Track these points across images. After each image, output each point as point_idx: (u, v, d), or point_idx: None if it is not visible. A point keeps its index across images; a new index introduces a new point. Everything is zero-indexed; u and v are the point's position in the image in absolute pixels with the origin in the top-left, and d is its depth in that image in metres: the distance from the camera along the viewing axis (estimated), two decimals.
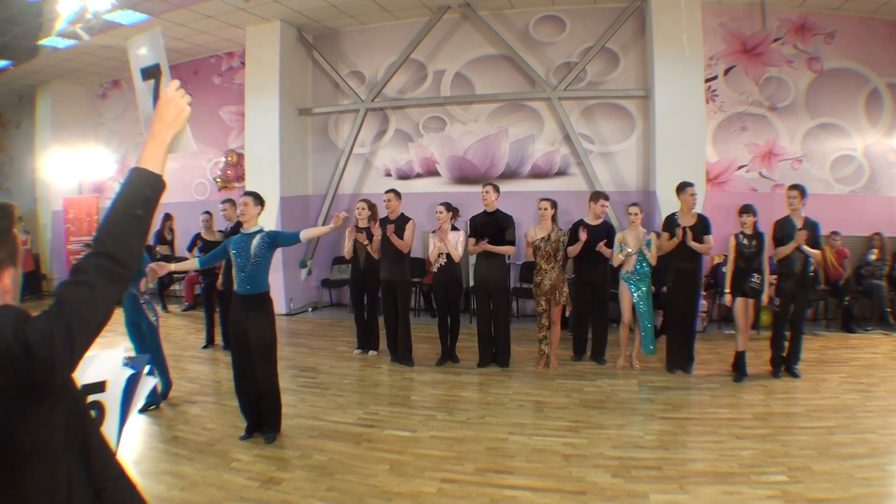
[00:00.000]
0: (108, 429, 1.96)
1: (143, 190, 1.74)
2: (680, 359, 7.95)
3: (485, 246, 8.03)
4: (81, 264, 1.61)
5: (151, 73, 1.96)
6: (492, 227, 8.16)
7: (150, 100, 1.96)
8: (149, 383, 2.26)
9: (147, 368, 2.27)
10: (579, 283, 8.32)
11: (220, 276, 9.34)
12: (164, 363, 7.32)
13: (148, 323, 7.10)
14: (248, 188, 12.35)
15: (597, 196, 8.55)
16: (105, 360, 2.07)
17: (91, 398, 1.97)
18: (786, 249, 7.59)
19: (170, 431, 6.17)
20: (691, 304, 8.06)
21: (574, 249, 8.07)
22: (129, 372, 2.17)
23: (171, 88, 1.92)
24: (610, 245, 8.08)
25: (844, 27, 10.80)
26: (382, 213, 8.83)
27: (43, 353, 1.44)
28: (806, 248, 7.52)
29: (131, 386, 2.16)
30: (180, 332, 10.95)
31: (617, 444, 5.68)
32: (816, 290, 9.81)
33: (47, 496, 1.55)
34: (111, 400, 2.02)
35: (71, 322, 1.49)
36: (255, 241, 5.88)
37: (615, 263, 8.11)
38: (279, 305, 11.90)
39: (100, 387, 1.99)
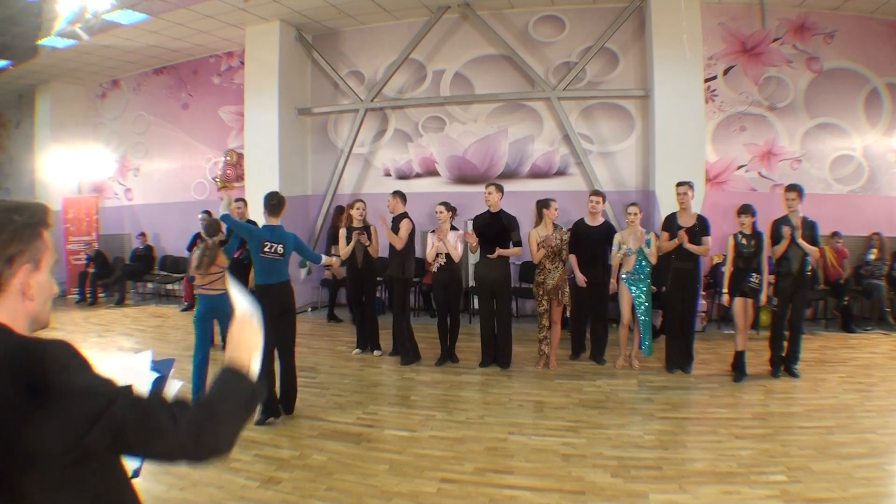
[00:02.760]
0: None
1: (252, 400, 1.75)
2: (679, 358, 7.95)
3: (501, 251, 8.06)
4: (187, 409, 1.57)
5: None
6: (495, 227, 8.15)
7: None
8: (174, 386, 2.24)
9: (172, 370, 2.25)
10: (577, 284, 8.30)
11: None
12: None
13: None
14: (248, 188, 12.42)
15: (591, 192, 8.62)
16: (133, 364, 2.05)
17: None
18: (780, 248, 7.60)
19: None
20: (690, 304, 8.06)
21: (574, 259, 8.16)
22: (155, 375, 2.15)
23: (246, 315, 1.90)
24: (611, 241, 8.14)
25: (844, 27, 10.80)
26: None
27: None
28: (802, 243, 7.53)
29: (157, 389, 2.15)
30: (180, 332, 10.94)
31: (616, 444, 5.68)
32: (815, 290, 9.83)
33: None
34: None
35: (126, 429, 1.46)
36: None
37: (614, 263, 8.11)
38: None
39: None
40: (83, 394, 1.45)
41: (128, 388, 1.53)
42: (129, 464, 1.83)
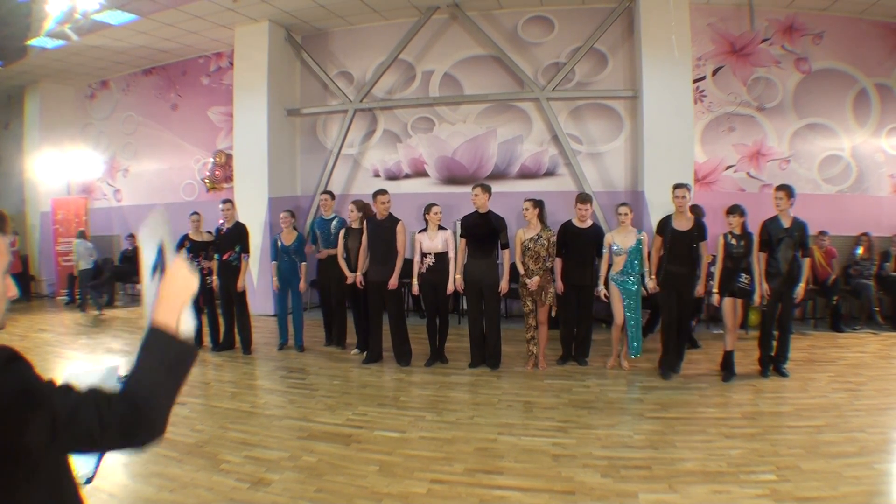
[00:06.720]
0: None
1: (180, 360, 1.66)
2: (672, 362, 7.89)
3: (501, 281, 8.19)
4: (115, 403, 1.48)
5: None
6: (484, 228, 8.13)
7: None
8: None
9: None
10: (566, 286, 8.27)
11: (214, 277, 9.32)
12: (302, 321, 9.73)
13: (298, 282, 9.52)
14: (237, 189, 12.43)
15: (577, 198, 8.42)
16: (98, 376, 2.02)
17: None
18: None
19: None
20: (686, 309, 7.96)
21: (558, 265, 8.19)
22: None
23: (178, 263, 1.82)
24: (600, 244, 8.10)
25: (832, 28, 10.86)
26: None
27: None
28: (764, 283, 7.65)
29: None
30: None
31: (606, 444, 5.67)
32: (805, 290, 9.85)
33: None
34: None
35: (59, 426, 1.40)
36: (333, 224, 9.49)
37: (603, 267, 8.05)
38: (269, 306, 11.87)
39: None
40: (20, 394, 1.39)
41: (65, 385, 1.49)
42: (81, 470, 1.80)
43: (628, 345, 8.06)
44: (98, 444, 1.46)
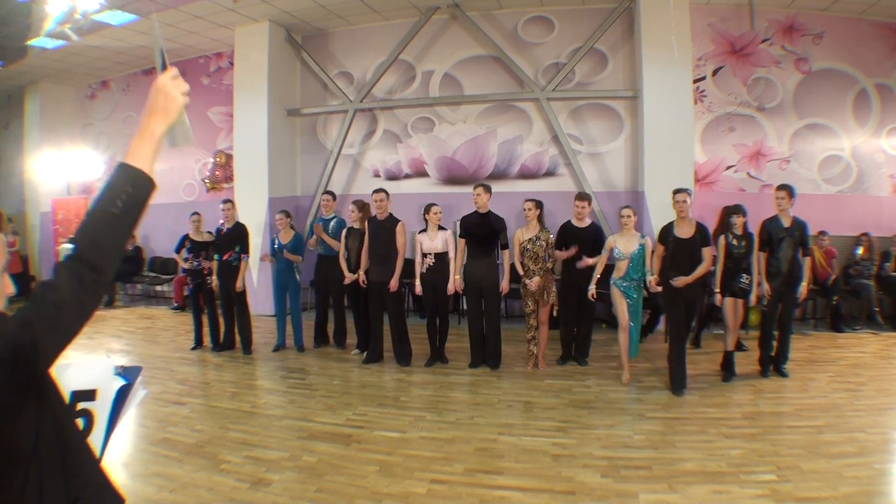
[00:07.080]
0: (95, 439, 1.93)
1: (124, 187, 1.61)
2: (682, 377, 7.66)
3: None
4: (57, 266, 1.52)
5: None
6: (484, 228, 8.13)
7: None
8: (139, 395, 2.22)
9: (140, 379, 2.22)
10: (566, 286, 8.25)
11: (214, 277, 9.32)
12: (301, 321, 9.62)
13: (295, 283, 9.49)
14: (237, 189, 12.43)
15: (576, 196, 8.48)
16: (96, 368, 2.04)
17: (80, 406, 1.94)
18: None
19: (159, 433, 6.13)
20: (690, 317, 7.84)
21: (561, 255, 8.11)
22: (121, 382, 2.13)
23: (164, 77, 1.80)
24: (600, 247, 8.03)
25: (833, 28, 10.85)
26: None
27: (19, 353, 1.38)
28: (766, 281, 7.66)
29: (121, 397, 2.12)
30: (169, 333, 10.91)
31: (606, 444, 5.68)
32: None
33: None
34: (100, 409, 1.99)
35: (35, 327, 1.41)
36: (332, 224, 9.38)
37: (598, 267, 7.90)
38: (268, 306, 11.86)
39: (90, 395, 1.96)
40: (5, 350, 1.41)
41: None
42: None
43: (629, 348, 8.01)
44: (63, 311, 1.46)
